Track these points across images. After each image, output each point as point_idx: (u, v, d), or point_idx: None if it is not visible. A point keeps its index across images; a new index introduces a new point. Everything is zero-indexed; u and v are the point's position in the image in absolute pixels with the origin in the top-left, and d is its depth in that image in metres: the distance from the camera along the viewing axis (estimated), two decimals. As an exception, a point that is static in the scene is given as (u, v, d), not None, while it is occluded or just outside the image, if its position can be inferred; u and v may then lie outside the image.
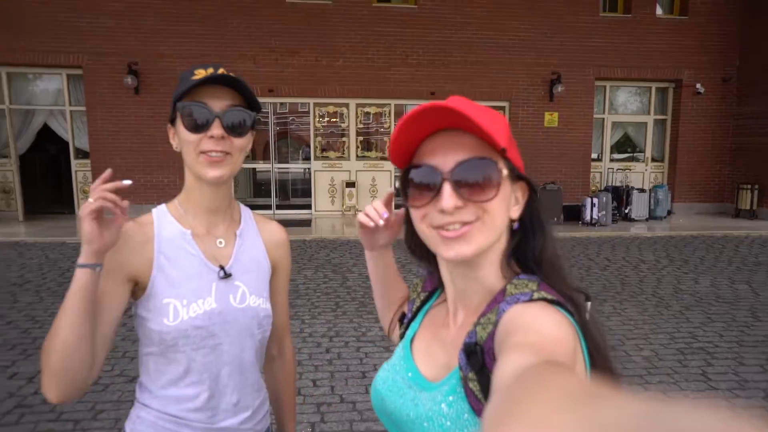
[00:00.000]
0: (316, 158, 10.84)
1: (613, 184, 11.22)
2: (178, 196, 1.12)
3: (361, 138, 10.95)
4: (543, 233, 0.76)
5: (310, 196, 10.93)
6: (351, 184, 10.72)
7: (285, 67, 10.24)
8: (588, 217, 9.87)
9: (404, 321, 0.92)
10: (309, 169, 11.00)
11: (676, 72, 11.20)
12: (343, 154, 10.92)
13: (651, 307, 5.13)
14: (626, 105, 11.84)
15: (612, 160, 11.86)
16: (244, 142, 1.06)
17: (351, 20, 10.25)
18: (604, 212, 9.86)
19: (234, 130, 1.03)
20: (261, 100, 10.47)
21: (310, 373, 3.57)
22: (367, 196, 10.92)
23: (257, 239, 1.19)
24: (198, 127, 1.00)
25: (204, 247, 1.09)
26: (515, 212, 0.75)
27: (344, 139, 10.89)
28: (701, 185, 11.59)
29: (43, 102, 10.12)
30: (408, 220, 0.84)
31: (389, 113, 10.86)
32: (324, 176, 10.87)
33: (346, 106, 10.72)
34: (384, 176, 10.94)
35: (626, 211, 10.51)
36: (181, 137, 1.03)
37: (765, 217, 10.58)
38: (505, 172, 0.71)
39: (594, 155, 11.61)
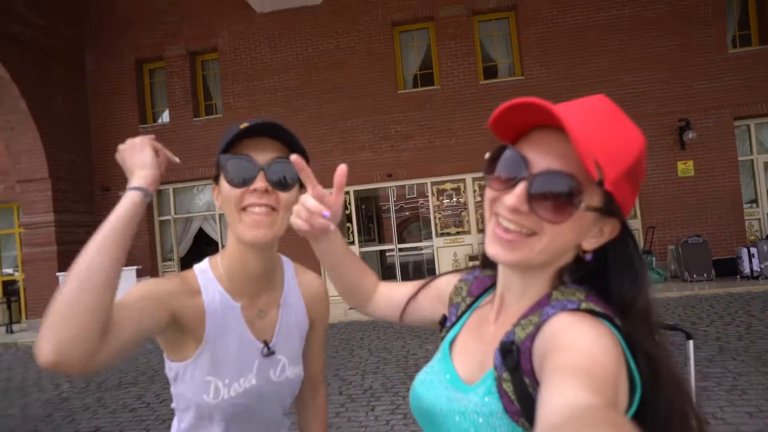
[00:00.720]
0: (438, 235, 11.02)
1: (778, 231, 9.81)
2: (221, 257, 1.05)
3: (480, 210, 10.99)
4: (634, 279, 0.68)
5: (434, 273, 11.00)
6: (474, 258, 10.66)
7: (401, 152, 10.84)
8: (747, 270, 8.65)
9: (446, 324, 0.89)
10: (432, 246, 11.18)
11: (835, 98, 9.86)
12: (463, 228, 10.99)
13: (837, 370, 4.27)
14: (779, 142, 10.56)
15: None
16: (291, 197, 0.97)
17: (460, 100, 10.70)
18: (767, 263, 8.59)
19: (279, 183, 0.96)
20: (382, 185, 11.14)
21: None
22: (492, 267, 10.74)
23: (299, 300, 1.14)
24: (241, 181, 0.94)
25: (249, 321, 1.05)
26: (590, 244, 0.69)
27: (464, 213, 11.00)
28: None
29: (199, 209, 11.73)
30: None
31: (506, 183, 10.84)
32: (447, 252, 10.95)
33: (463, 181, 10.93)
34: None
35: (799, 260, 9.06)
36: (224, 193, 0.97)
37: None
38: (585, 203, 0.65)
39: (747, 201, 10.36)
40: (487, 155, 0.71)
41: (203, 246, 13.51)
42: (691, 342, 1.99)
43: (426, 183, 11.05)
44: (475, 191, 10.90)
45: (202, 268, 1.05)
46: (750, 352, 4.91)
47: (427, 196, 11.10)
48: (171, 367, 1.03)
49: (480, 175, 10.72)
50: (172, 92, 11.65)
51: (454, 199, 11.06)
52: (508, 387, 0.65)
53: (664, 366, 0.62)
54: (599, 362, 0.56)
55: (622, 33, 10.37)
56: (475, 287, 0.88)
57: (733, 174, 10.07)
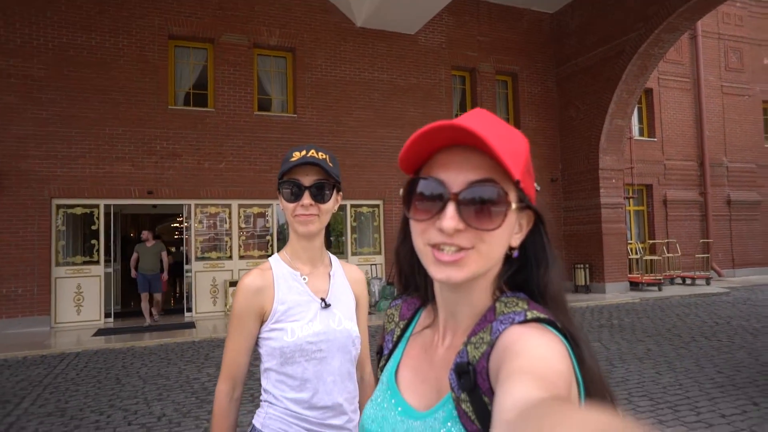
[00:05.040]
0: (197, 259, 10.65)
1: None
2: (285, 248, 1.50)
3: (243, 237, 11.08)
4: (547, 266, 0.72)
5: (191, 295, 10.57)
6: (234, 283, 10.65)
7: (166, 169, 10.26)
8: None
9: (383, 353, 0.87)
10: (191, 270, 10.70)
11: (516, 174, 13.30)
12: (225, 253, 10.91)
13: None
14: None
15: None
16: (329, 206, 1.43)
17: (232, 126, 10.77)
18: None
19: (319, 198, 1.40)
20: (139, 201, 10.29)
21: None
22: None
23: (343, 278, 1.54)
24: (293, 198, 1.39)
25: (309, 285, 1.46)
26: (516, 240, 0.71)
27: (227, 239, 10.94)
28: (546, 268, 13.48)
29: None
30: (404, 231, 0.80)
31: (272, 213, 11.25)
32: (205, 277, 10.65)
33: (229, 207, 10.91)
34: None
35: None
36: (283, 204, 1.42)
37: (596, 290, 12.71)
38: (514, 203, 0.67)
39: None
40: (401, 192, 0.72)
41: None
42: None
43: (189, 204, 10.65)
44: (240, 217, 10.98)
45: (275, 258, 1.49)
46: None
47: (189, 218, 10.70)
48: (260, 330, 1.42)
49: (246, 202, 10.90)
50: None
51: (219, 224, 10.92)
52: (467, 407, 0.65)
53: (587, 351, 0.66)
54: (552, 367, 0.57)
55: (381, 94, 12.10)
56: (405, 309, 0.87)
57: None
